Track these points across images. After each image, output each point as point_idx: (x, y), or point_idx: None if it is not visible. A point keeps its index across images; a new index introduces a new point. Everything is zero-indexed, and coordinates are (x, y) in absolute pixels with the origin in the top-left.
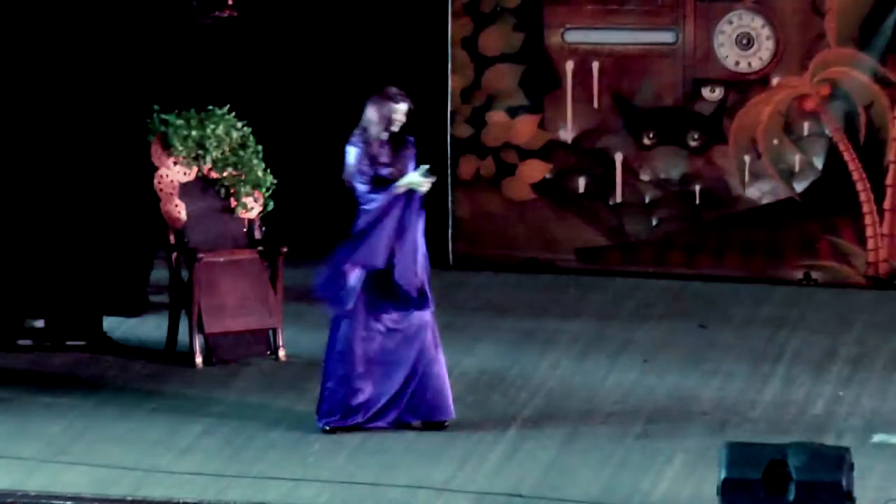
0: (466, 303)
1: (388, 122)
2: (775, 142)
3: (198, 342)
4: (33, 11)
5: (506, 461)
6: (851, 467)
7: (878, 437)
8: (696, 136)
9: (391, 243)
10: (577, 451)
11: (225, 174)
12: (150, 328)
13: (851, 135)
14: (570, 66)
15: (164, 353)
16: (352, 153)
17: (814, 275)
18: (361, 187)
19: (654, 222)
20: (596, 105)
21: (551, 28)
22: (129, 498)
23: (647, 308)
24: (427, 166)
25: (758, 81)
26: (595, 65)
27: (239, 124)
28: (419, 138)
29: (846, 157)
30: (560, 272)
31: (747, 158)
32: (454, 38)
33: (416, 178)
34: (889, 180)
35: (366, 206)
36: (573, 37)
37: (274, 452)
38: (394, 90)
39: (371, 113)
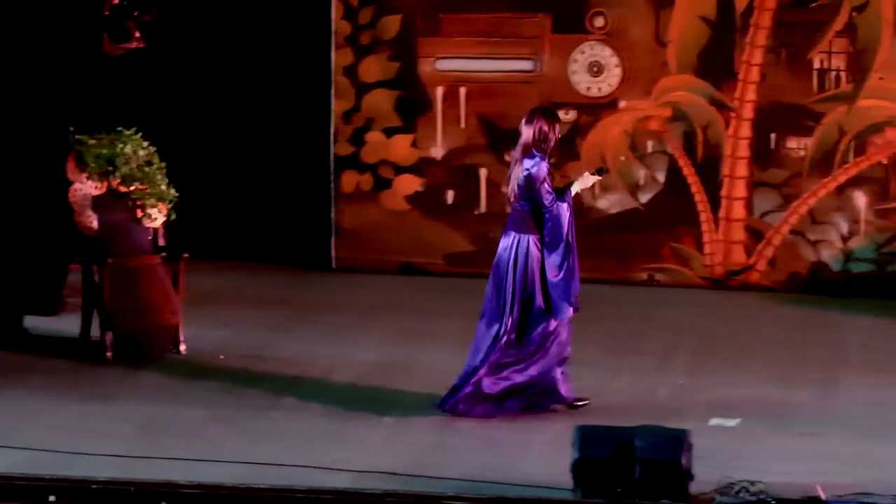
0: (349, 302)
1: (557, 137)
2: (622, 158)
3: (108, 338)
4: None
5: (387, 444)
6: (691, 448)
7: (714, 421)
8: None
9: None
10: (453, 434)
11: (133, 188)
12: (65, 325)
13: (690, 152)
14: (440, 91)
15: (79, 348)
16: (542, 167)
17: (657, 276)
18: (550, 196)
19: None
20: (463, 126)
21: (424, 58)
22: (47, 476)
23: None
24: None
25: (607, 105)
26: (462, 90)
27: (145, 144)
28: (305, 156)
29: (686, 171)
30: (431, 275)
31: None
32: (337, 66)
33: (590, 179)
34: (724, 192)
35: (556, 213)
36: (443, 65)
37: (179, 436)
38: (556, 110)
39: (547, 129)
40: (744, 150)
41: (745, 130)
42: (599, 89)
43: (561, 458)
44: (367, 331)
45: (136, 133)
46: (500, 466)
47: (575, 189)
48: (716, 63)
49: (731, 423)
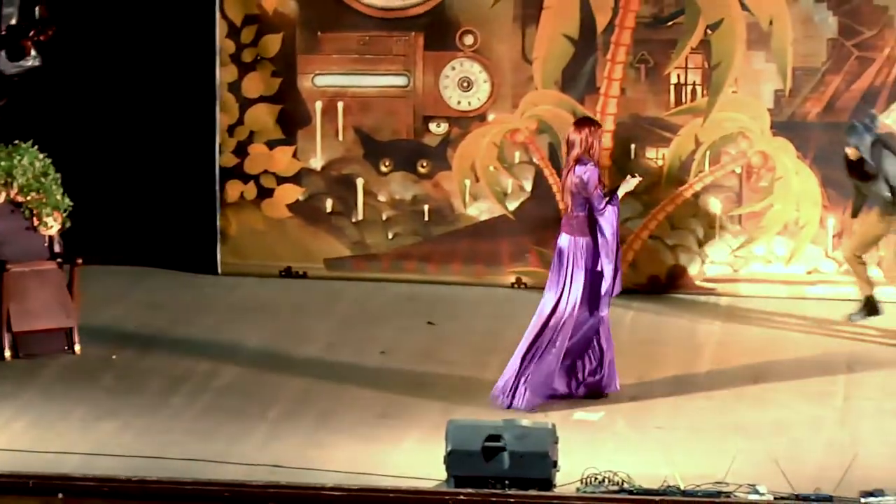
0: (233, 305)
1: (601, 143)
2: (491, 168)
3: (7, 339)
4: None
5: (269, 438)
6: (556, 440)
7: (578, 415)
8: (424, 164)
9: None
10: (330, 430)
11: (29, 198)
12: None
13: (555, 162)
14: (319, 105)
15: None
16: (593, 173)
17: (524, 279)
18: (602, 200)
19: (391, 236)
20: (341, 138)
21: (303, 74)
22: None
23: (385, 309)
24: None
25: (476, 118)
26: (340, 105)
27: (41, 156)
28: (192, 167)
29: (550, 180)
30: (311, 279)
31: (468, 182)
32: (221, 82)
33: (632, 182)
34: None
35: (607, 215)
36: (322, 81)
37: (73, 431)
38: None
39: (592, 137)
40: (605, 160)
41: (606, 141)
42: (469, 103)
43: (430, 451)
44: (251, 331)
45: (33, 146)
46: (376, 459)
47: (621, 192)
48: (579, 78)
49: (595, 416)
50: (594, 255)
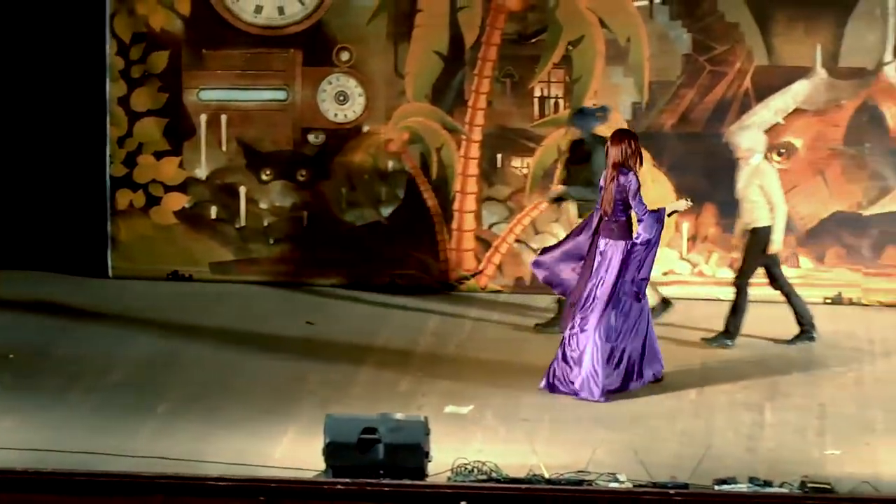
0: (123, 306)
1: (639, 152)
2: (366, 177)
3: None
4: None
5: (159, 432)
6: (428, 432)
7: (449, 409)
8: (303, 173)
9: None
10: (216, 424)
11: None
12: None
13: (426, 171)
14: (203, 118)
15: None
16: (634, 181)
17: (398, 280)
18: (643, 206)
19: (271, 241)
20: (224, 149)
21: (189, 89)
22: None
23: (266, 310)
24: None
25: (352, 129)
26: (223, 118)
27: None
28: (85, 176)
29: (422, 188)
30: (197, 281)
31: (344, 190)
32: (112, 97)
33: (682, 204)
34: (456, 206)
35: (648, 222)
36: (206, 95)
37: None
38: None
39: (630, 147)
40: (473, 168)
41: (475, 151)
42: (345, 116)
43: (309, 443)
44: (140, 331)
45: None
46: (259, 452)
47: (669, 209)
48: (448, 92)
49: (464, 410)
50: (628, 258)
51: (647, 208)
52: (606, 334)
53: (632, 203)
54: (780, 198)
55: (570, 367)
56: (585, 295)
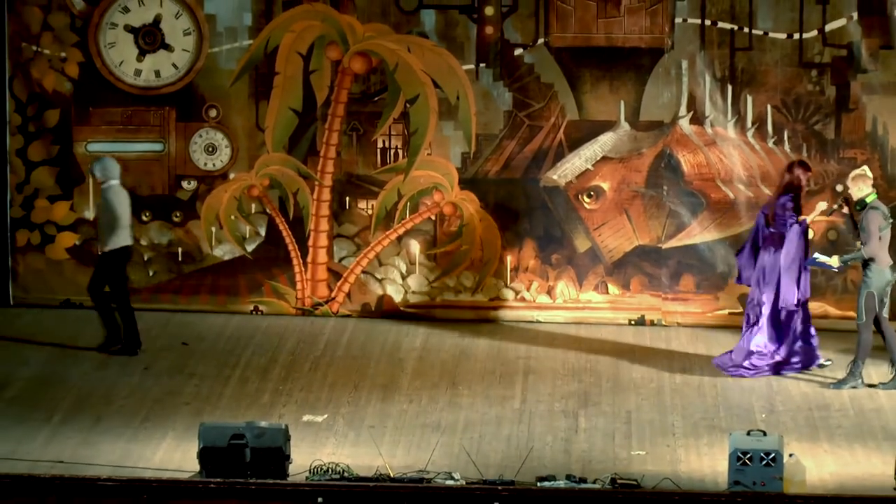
0: (21, 331)
1: (807, 181)
2: (232, 217)
3: None
4: None
5: (51, 439)
6: (289, 438)
7: (306, 418)
8: (178, 214)
9: None
10: (101, 432)
11: None
12: None
13: (284, 212)
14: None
15: None
16: (789, 203)
17: (260, 307)
18: (792, 220)
19: (151, 273)
20: None
21: (78, 142)
22: None
23: (146, 332)
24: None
25: (220, 176)
26: None
27: None
28: None
29: (281, 227)
30: (86, 308)
31: (213, 229)
32: (11, 149)
33: (818, 209)
34: (310, 242)
35: (792, 234)
36: (93, 147)
37: None
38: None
39: (801, 176)
40: (325, 210)
41: (326, 195)
42: (214, 164)
43: (185, 448)
44: (35, 351)
45: None
46: (141, 456)
47: (810, 218)
48: (302, 143)
49: (319, 418)
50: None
51: (795, 222)
52: None
53: (787, 217)
54: None
55: None
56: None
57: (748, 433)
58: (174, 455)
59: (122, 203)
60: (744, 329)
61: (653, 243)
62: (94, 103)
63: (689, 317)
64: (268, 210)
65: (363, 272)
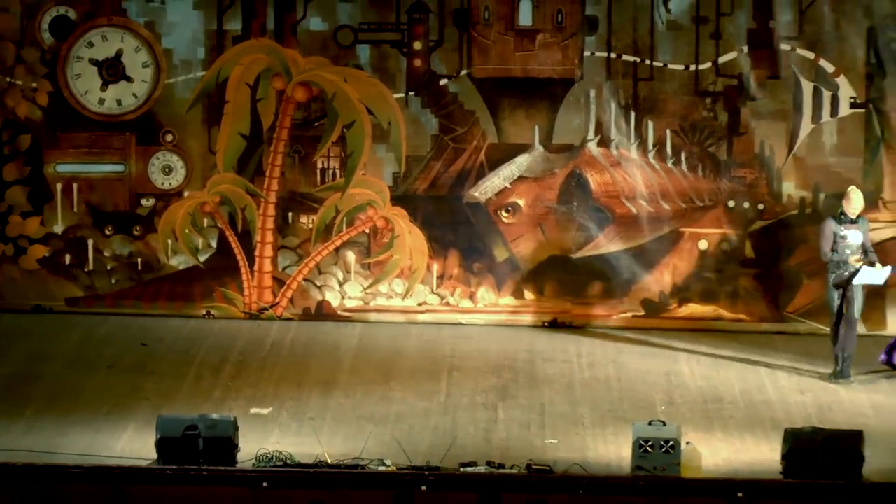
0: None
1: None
2: (187, 231)
3: None
4: None
5: (25, 431)
6: (237, 429)
7: (253, 411)
8: (138, 229)
9: None
10: (70, 424)
11: None
12: None
13: (234, 226)
14: (59, 186)
15: None
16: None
17: (212, 312)
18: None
19: (113, 281)
20: (76, 210)
21: (48, 163)
22: None
23: (109, 335)
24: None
25: (176, 194)
26: (75, 185)
27: None
28: None
29: (231, 240)
30: (55, 313)
31: (170, 241)
32: None
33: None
34: (257, 253)
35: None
36: (61, 168)
37: None
38: None
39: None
40: (270, 224)
41: (271, 210)
42: (170, 184)
43: (144, 439)
44: (8, 352)
45: None
46: (105, 445)
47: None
48: (250, 164)
49: (265, 411)
50: None
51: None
52: None
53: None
54: None
55: None
56: None
57: (649, 423)
58: (135, 445)
59: None
60: None
61: (564, 253)
62: (62, 129)
63: (596, 319)
64: (219, 224)
65: (304, 280)
